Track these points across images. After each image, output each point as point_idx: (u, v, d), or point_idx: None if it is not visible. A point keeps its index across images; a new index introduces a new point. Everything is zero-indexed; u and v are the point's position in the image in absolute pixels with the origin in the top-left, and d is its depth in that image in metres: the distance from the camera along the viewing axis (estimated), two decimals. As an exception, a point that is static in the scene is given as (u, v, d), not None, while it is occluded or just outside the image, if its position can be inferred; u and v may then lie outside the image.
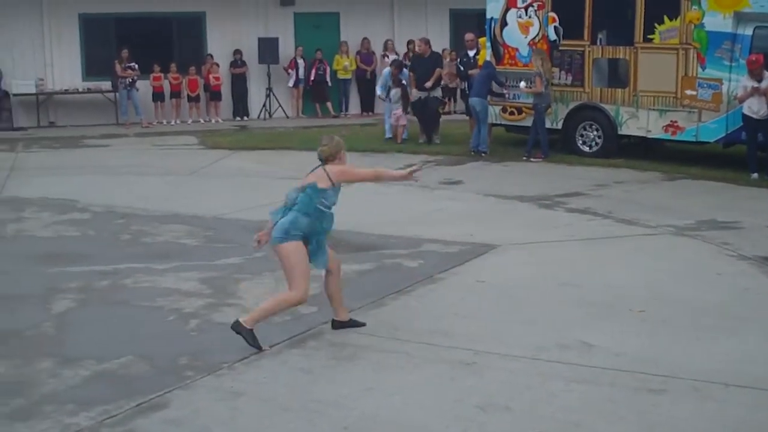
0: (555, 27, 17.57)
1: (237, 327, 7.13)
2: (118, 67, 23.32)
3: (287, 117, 25.49)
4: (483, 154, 17.55)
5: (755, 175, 14.88)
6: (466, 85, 20.08)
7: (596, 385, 6.43)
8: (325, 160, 7.47)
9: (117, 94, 23.73)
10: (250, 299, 8.43)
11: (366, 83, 25.82)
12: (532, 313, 8.06)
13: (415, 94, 19.69)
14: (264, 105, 25.36)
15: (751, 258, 9.82)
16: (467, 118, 19.57)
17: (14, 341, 7.40)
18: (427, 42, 20.30)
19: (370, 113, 25.66)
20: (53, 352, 7.07)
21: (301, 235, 7.23)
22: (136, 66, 23.57)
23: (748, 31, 15.30)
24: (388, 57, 25.05)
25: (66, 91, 23.90)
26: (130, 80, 23.48)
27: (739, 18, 15.40)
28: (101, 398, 6.17)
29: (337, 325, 7.62)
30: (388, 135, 20.15)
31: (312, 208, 7.29)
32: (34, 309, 8.25)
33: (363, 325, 7.65)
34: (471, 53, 19.81)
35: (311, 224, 7.29)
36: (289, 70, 25.62)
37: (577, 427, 5.77)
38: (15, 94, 23.44)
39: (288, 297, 7.31)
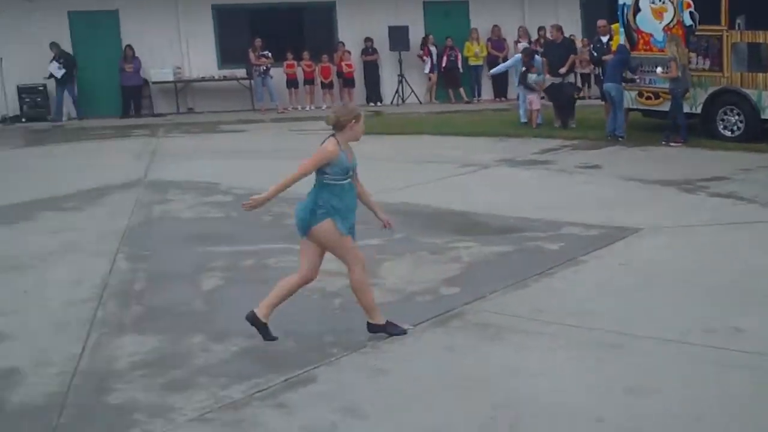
0: (690, 12, 17.19)
1: (371, 328, 7.09)
2: (252, 56, 23.77)
3: (420, 103, 25.57)
4: (620, 139, 17.28)
5: None
6: (600, 71, 19.85)
7: (749, 370, 6.27)
8: (333, 128, 7.05)
9: (252, 81, 24.19)
10: (392, 279, 8.49)
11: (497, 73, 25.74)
12: (676, 296, 7.89)
13: (548, 79, 19.54)
14: (397, 91, 25.50)
15: None
16: (602, 103, 19.32)
17: (168, 317, 7.63)
18: (559, 28, 20.15)
19: (503, 99, 25.56)
20: (204, 328, 7.27)
21: (325, 211, 6.91)
22: (270, 54, 23.97)
23: None
24: (521, 42, 24.93)
25: (203, 79, 24.45)
26: (264, 68, 23.91)
27: None
28: (251, 372, 6.31)
29: None
30: (523, 120, 20.04)
31: (320, 183, 6.98)
32: (185, 287, 8.49)
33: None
34: (604, 39, 19.56)
35: (330, 199, 6.93)
36: (425, 57, 25.72)
37: (731, 416, 5.61)
38: (154, 82, 24.10)
39: (356, 276, 7.08)
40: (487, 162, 15.28)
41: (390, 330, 7.05)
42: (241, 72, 24.43)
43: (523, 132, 18.86)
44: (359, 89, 25.58)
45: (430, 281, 8.40)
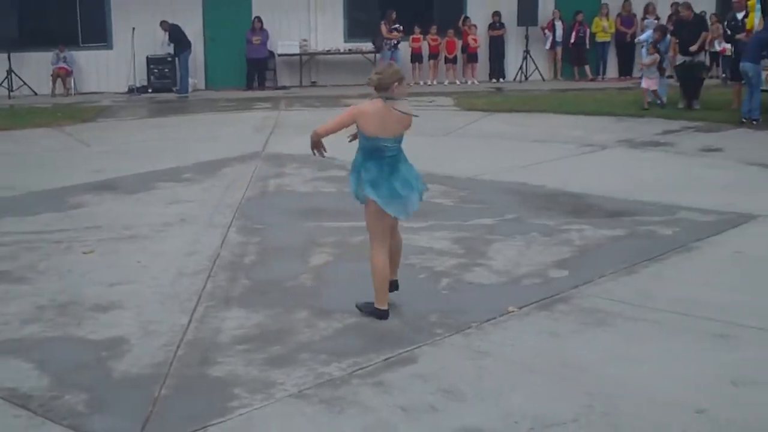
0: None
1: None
2: (384, 29, 23.81)
3: (543, 80, 25.34)
4: (754, 122, 16.77)
5: None
6: (733, 49, 19.33)
7: None
8: (376, 90, 6.90)
9: (379, 54, 24.25)
10: (501, 260, 8.47)
11: (625, 47, 25.32)
12: (792, 287, 7.72)
13: (679, 58, 19.12)
14: (520, 67, 25.29)
15: None
16: (731, 83, 18.84)
17: (275, 292, 7.74)
18: (688, 6, 19.63)
19: (628, 77, 25.12)
20: (310, 303, 7.37)
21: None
22: (401, 28, 24.01)
23: None
24: (647, 19, 24.48)
25: (328, 52, 24.64)
26: (396, 42, 23.96)
27: None
28: (352, 350, 6.37)
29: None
30: (648, 99, 19.68)
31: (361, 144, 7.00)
32: (294, 261, 8.61)
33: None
34: (739, 16, 19.02)
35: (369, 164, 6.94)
36: (546, 32, 25.44)
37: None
38: (280, 54, 24.38)
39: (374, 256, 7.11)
40: (606, 142, 15.08)
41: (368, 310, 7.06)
42: (367, 45, 24.52)
43: (645, 112, 18.52)
44: (483, 65, 25.46)
45: (539, 264, 8.35)
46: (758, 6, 17.69)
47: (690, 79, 19.06)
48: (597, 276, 7.91)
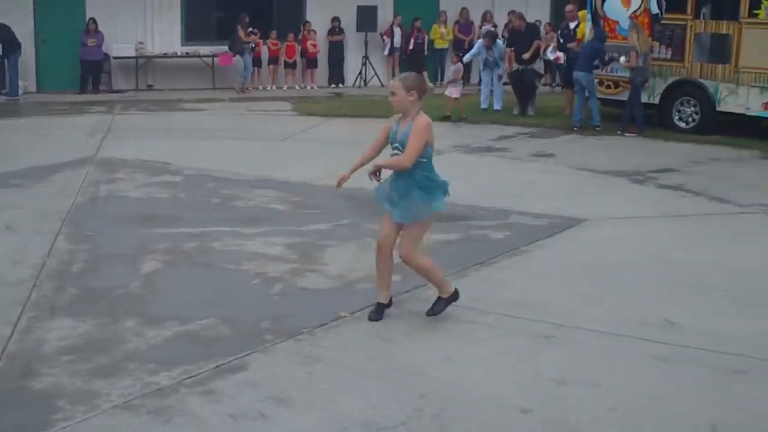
0: (657, 0, 17.22)
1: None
2: (242, 33, 23.48)
3: (382, 85, 25.45)
4: (597, 129, 17.25)
5: None
6: (565, 58, 19.87)
7: (677, 364, 6.34)
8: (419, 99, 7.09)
9: (237, 58, 23.80)
10: (335, 265, 8.47)
11: (464, 54, 25.66)
12: (616, 288, 7.95)
13: (513, 66, 19.54)
14: (360, 73, 25.43)
15: None
16: (562, 90, 19.37)
17: (104, 300, 7.51)
18: (521, 17, 20.15)
19: (466, 84, 25.50)
20: (138, 312, 7.18)
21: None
22: (257, 31, 23.78)
23: None
24: (484, 26, 24.95)
25: (165, 55, 24.23)
26: (253, 45, 23.74)
27: None
28: (182, 358, 6.24)
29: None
30: (484, 105, 20.04)
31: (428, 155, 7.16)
32: (123, 269, 8.38)
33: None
34: (572, 25, 19.56)
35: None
36: (385, 38, 25.64)
37: (656, 406, 5.68)
38: (115, 57, 23.83)
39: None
40: (442, 148, 15.18)
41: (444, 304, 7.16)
42: (205, 49, 24.20)
43: (481, 118, 18.85)
44: (323, 70, 25.47)
45: (373, 269, 8.31)
46: (589, 16, 18.25)
47: (524, 86, 19.51)
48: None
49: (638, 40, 16.90)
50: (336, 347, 6.55)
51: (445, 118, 18.43)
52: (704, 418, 5.52)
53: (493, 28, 23.75)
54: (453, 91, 18.83)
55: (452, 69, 19.63)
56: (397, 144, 7.03)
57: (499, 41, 20.37)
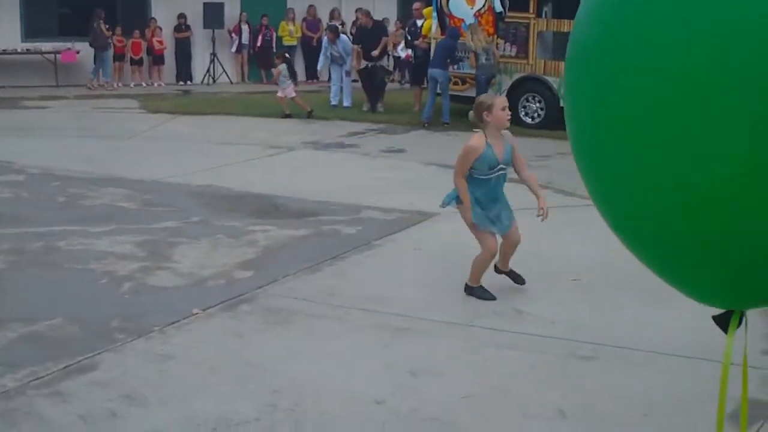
0: (501, -1, 17.60)
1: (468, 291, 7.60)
2: (102, 27, 22.90)
3: (231, 83, 25.31)
4: (445, 125, 17.46)
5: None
6: (412, 55, 20.07)
7: (527, 352, 6.48)
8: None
9: (98, 54, 23.29)
10: (186, 263, 8.36)
11: (311, 50, 25.63)
12: (466, 281, 8.06)
13: (362, 63, 19.63)
14: (208, 70, 25.17)
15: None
16: (411, 87, 19.58)
17: (-58, 302, 7.27)
18: (367, 13, 20.26)
19: (315, 80, 25.51)
20: (-19, 314, 6.97)
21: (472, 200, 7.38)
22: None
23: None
24: (331, 23, 24.97)
25: (4, 52, 23.47)
26: (109, 41, 23.23)
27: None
28: (29, 360, 6.08)
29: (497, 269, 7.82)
30: (333, 102, 20.08)
31: (469, 174, 7.39)
32: (-36, 270, 8.12)
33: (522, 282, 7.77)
34: (419, 23, 19.77)
35: (474, 190, 7.40)
36: (233, 35, 25.44)
37: (506, 393, 5.82)
38: (-50, 54, 22.99)
39: (479, 257, 7.57)
40: (293, 144, 15.25)
41: (479, 294, 7.52)
42: (47, 46, 23.53)
43: (331, 114, 18.89)
44: (169, 67, 25.10)
45: (224, 265, 8.31)
46: (435, 14, 18.48)
47: (373, 83, 19.63)
48: (281, 275, 7.97)
49: (472, 41, 17.23)
50: (188, 344, 6.48)
51: (287, 116, 18.45)
52: (553, 403, 5.66)
53: (341, 25, 23.79)
54: (287, 91, 18.73)
55: (275, 71, 19.46)
56: (502, 165, 7.44)
57: (344, 36, 20.44)
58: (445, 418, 5.44)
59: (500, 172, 7.42)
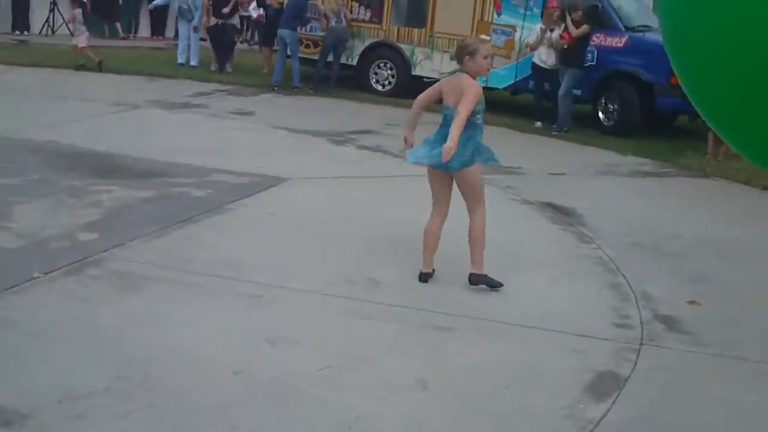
0: (357, -38, 17.39)
1: (475, 280, 7.15)
2: None
3: (71, 34, 24.33)
4: (295, 89, 17.15)
5: (539, 124, 15.27)
6: (264, 15, 19.67)
7: (384, 321, 6.37)
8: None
9: None
10: (25, 223, 7.88)
11: (159, 7, 24.89)
12: (321, 247, 7.90)
13: (212, 21, 19.14)
14: (47, 20, 24.14)
15: (533, 203, 10.01)
16: (260, 49, 19.21)
17: None
18: (222, -31, 19.72)
19: (161, 37, 24.84)
20: None
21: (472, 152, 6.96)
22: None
23: (544, -20, 15.62)
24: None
25: None
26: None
27: (536, -33, 15.68)
28: None
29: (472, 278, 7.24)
30: (180, 60, 19.54)
31: (472, 123, 6.88)
32: None
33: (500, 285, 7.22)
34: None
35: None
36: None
37: (364, 362, 5.68)
38: None
39: (482, 218, 7.18)
40: (137, 102, 14.73)
41: (489, 282, 7.14)
42: None
43: (178, 73, 18.36)
44: (5, 15, 23.97)
45: (67, 226, 7.88)
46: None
47: (223, 42, 19.17)
48: (129, 239, 7.60)
49: (324, 3, 17.04)
50: (28, 310, 6.08)
51: (80, 67, 17.88)
52: (413, 373, 5.56)
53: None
54: (79, 39, 18.14)
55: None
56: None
57: None
58: (305, 389, 5.26)
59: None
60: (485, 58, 6.88)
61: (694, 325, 6.80)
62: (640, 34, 15.30)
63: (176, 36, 20.76)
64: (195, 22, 19.33)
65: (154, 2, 21.61)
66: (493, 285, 7.13)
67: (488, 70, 7.12)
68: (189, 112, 14.23)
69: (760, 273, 8.42)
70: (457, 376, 5.64)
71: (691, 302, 7.26)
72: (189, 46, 19.59)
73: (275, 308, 6.47)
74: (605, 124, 15.30)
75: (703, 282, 7.94)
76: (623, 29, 15.26)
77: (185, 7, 19.30)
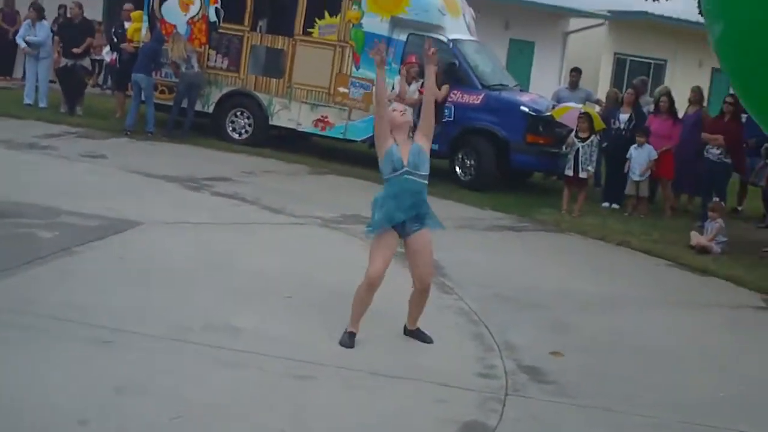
0: (216, 8, 17.19)
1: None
2: None
3: None
4: (149, 134, 16.72)
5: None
6: (118, 59, 19.22)
7: (243, 369, 6.18)
8: None
9: None
10: None
11: (6, 45, 24.13)
12: (175, 293, 7.64)
13: (62, 61, 18.58)
14: None
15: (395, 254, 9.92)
16: (111, 93, 18.75)
17: None
18: (80, 6, 19.18)
19: (8, 77, 24.01)
20: None
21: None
22: None
23: (403, 37, 15.75)
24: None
25: None
26: None
27: (396, 23, 15.81)
28: None
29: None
30: (28, 101, 18.88)
31: None
32: None
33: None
34: (127, 25, 18.95)
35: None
36: None
37: (222, 411, 5.45)
38: None
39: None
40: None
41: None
42: None
43: (25, 114, 17.71)
44: None
45: None
46: (145, 17, 17.76)
47: (72, 83, 18.62)
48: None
49: (172, 50, 16.81)
50: None
51: None
52: (274, 424, 5.39)
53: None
54: None
55: None
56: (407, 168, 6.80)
57: (45, 21, 19.32)
58: (154, 441, 4.99)
59: (406, 175, 6.78)
60: (393, 110, 6.88)
61: (558, 376, 6.81)
62: (497, 92, 15.54)
63: (24, 76, 20.08)
64: (45, 58, 18.71)
65: (28, 37, 20.65)
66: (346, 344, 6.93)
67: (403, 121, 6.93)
68: (38, 154, 13.68)
69: (616, 323, 8.55)
70: (320, 428, 5.45)
71: (554, 353, 7.27)
72: (37, 87, 18.94)
73: (125, 355, 6.17)
74: (462, 178, 15.41)
75: (563, 332, 8.01)
76: (480, 87, 15.46)
77: (36, 40, 18.69)
